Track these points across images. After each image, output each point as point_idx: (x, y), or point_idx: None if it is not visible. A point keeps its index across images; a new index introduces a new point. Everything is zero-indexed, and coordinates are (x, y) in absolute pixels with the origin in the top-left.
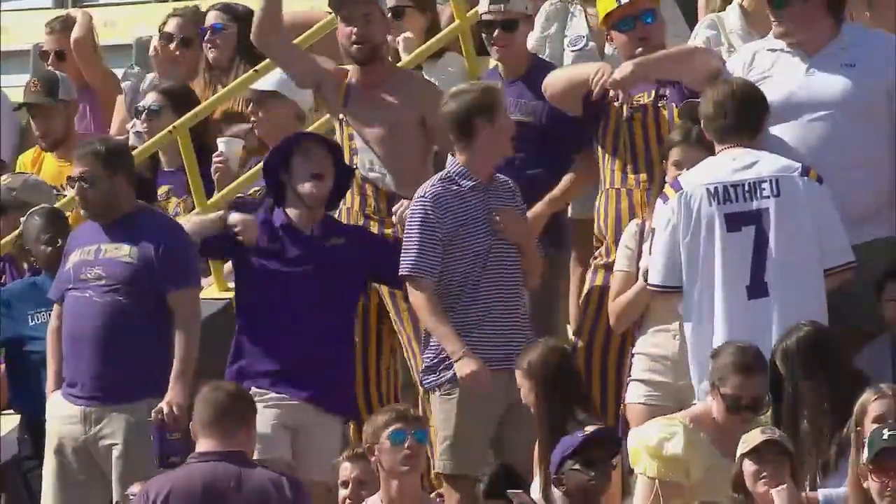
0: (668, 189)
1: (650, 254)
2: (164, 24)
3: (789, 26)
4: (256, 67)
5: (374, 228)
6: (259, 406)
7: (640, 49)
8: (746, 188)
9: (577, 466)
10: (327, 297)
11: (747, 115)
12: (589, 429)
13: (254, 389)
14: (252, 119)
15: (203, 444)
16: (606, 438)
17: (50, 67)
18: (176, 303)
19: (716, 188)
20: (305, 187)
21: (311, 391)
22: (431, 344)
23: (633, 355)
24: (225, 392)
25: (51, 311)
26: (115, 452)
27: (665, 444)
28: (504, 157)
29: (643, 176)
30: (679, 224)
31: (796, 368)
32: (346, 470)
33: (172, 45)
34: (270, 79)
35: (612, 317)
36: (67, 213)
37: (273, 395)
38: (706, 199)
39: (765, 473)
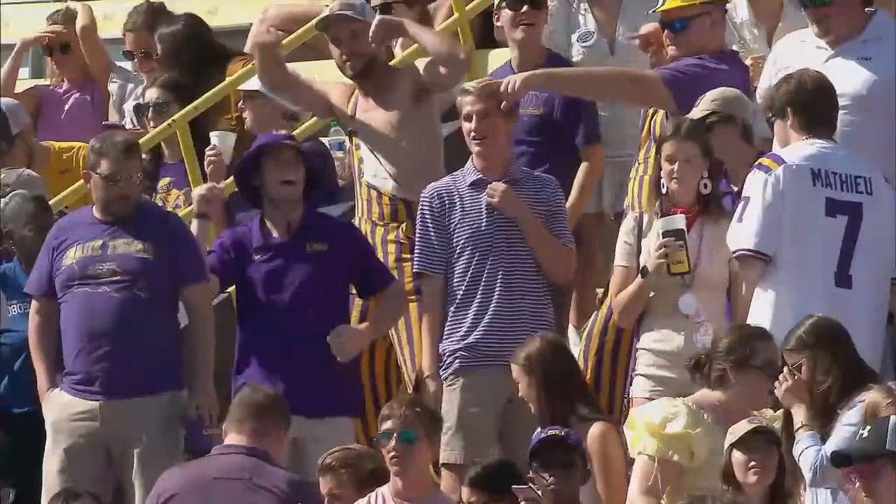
0: (766, 161)
1: (740, 220)
2: (133, 38)
3: (831, 23)
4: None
5: (380, 234)
6: None
7: (671, 53)
8: (843, 178)
9: (537, 470)
10: (318, 300)
11: (828, 107)
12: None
13: None
14: (243, 115)
15: (230, 439)
16: (561, 440)
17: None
18: (191, 298)
19: (819, 170)
20: (276, 192)
21: (317, 403)
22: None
23: (637, 350)
24: (263, 394)
25: (22, 302)
26: (138, 446)
27: (668, 423)
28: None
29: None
30: (784, 195)
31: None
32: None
33: (136, 61)
34: (256, 79)
35: (615, 312)
36: (63, 209)
37: None
38: (810, 178)
39: (754, 463)
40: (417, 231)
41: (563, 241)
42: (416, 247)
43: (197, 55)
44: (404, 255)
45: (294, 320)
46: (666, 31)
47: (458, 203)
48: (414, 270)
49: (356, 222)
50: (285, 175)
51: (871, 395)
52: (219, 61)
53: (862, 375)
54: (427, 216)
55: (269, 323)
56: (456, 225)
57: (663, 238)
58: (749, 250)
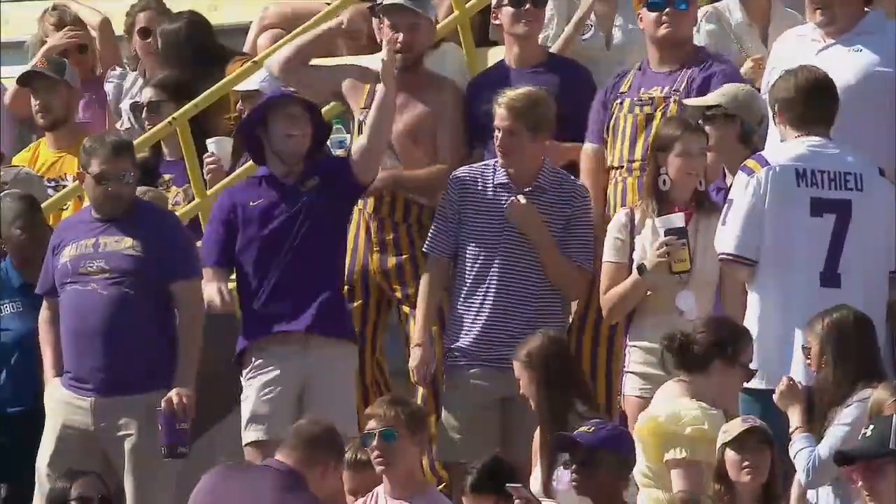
0: (751, 163)
1: (723, 224)
2: (132, 21)
3: (835, 13)
4: (255, 59)
5: (389, 227)
6: (262, 378)
7: (663, 31)
8: (832, 176)
9: (566, 465)
10: (313, 237)
11: (823, 105)
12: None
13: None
14: (242, 117)
15: (278, 458)
16: (568, 440)
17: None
18: (179, 293)
19: (804, 170)
20: (281, 145)
21: (312, 323)
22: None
23: (627, 347)
24: (321, 427)
25: (14, 301)
26: (128, 443)
27: (721, 428)
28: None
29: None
30: (765, 197)
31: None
32: (352, 480)
33: (150, 39)
34: (255, 78)
35: (604, 309)
36: (66, 206)
37: (276, 355)
38: (794, 178)
39: (747, 462)
40: (437, 209)
41: (576, 259)
42: (433, 226)
43: (197, 54)
44: (417, 260)
45: (295, 260)
46: (667, 9)
47: (479, 196)
48: (423, 250)
49: (356, 215)
50: (291, 129)
51: (877, 393)
52: (218, 61)
53: (864, 375)
54: (448, 198)
55: (263, 260)
56: (472, 217)
57: (665, 237)
58: (730, 254)
